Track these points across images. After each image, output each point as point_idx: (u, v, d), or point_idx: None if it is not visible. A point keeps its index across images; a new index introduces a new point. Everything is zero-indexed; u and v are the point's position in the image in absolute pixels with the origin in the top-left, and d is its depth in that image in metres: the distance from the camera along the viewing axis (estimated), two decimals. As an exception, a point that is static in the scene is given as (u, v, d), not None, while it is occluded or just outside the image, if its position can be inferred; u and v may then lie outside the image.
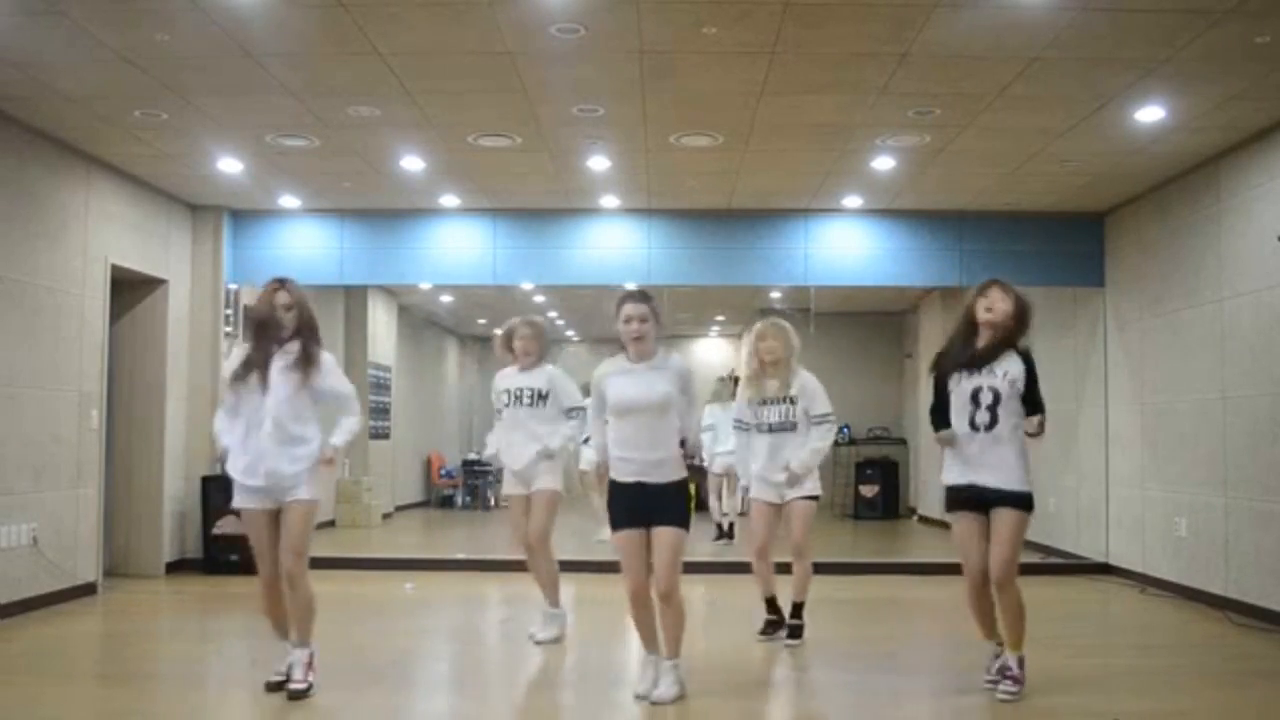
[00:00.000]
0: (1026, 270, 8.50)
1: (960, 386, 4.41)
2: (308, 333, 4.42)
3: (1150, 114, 5.90)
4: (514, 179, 7.62)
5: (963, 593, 4.49)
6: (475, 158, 7.02)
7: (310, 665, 4.34)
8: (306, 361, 4.35)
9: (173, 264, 8.00)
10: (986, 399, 4.35)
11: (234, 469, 4.34)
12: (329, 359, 4.48)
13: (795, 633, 5.45)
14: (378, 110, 6.01)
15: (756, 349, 5.42)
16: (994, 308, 4.39)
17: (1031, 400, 4.36)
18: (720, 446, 9.04)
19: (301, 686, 4.27)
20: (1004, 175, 7.32)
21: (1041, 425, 4.38)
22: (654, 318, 4.35)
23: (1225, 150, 6.56)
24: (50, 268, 6.50)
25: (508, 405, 5.51)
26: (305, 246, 8.59)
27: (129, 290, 7.63)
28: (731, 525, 9.57)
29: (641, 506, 4.27)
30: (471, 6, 4.63)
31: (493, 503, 13.12)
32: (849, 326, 12.70)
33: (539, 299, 10.65)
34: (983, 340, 4.43)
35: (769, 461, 5.36)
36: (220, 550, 7.83)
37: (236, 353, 4.46)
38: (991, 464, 4.34)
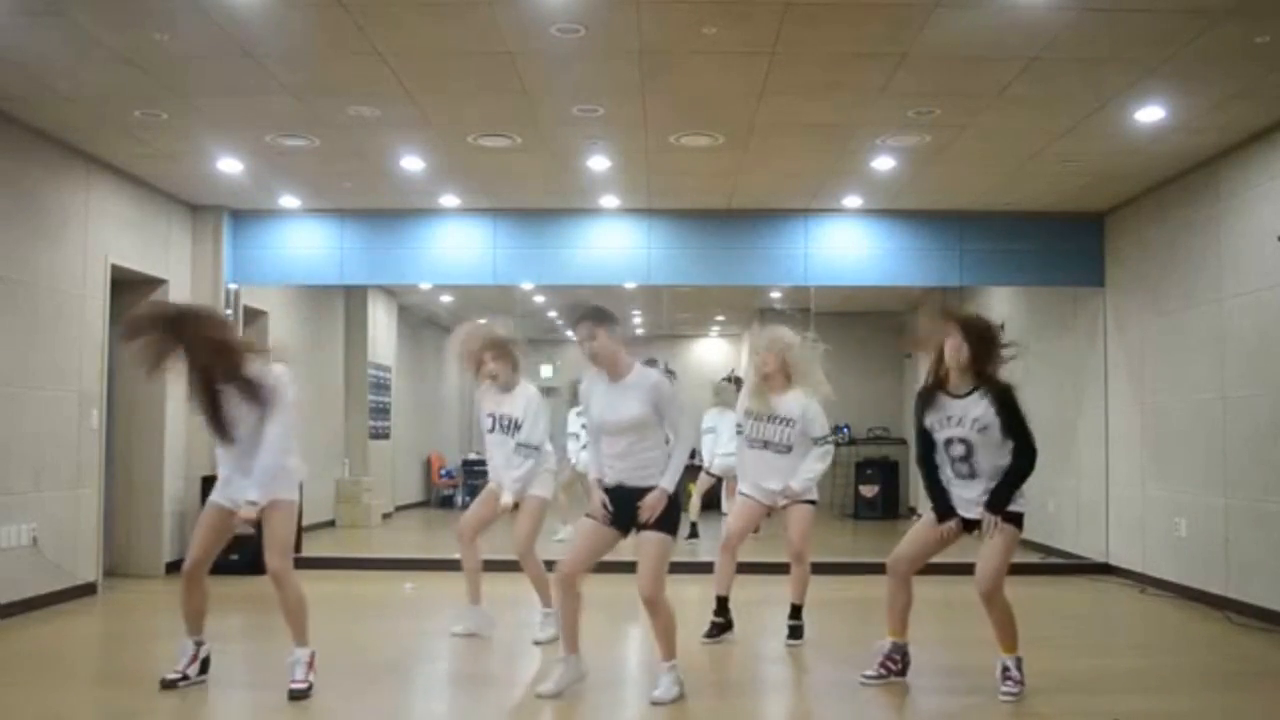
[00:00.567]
0: (1026, 270, 8.53)
1: (937, 435, 4.44)
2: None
3: (1150, 114, 5.90)
4: (514, 179, 7.61)
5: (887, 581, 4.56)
6: (475, 158, 7.02)
7: (311, 665, 4.35)
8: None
9: (173, 264, 8.00)
10: (958, 451, 4.36)
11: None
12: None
13: (795, 633, 5.49)
14: (378, 110, 6.01)
15: (754, 363, 5.46)
16: (950, 353, 4.35)
17: (1012, 434, 4.29)
18: (721, 448, 9.04)
19: (302, 686, 4.27)
20: (1004, 175, 7.32)
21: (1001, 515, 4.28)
22: (604, 332, 4.24)
23: (1225, 150, 6.56)
24: (50, 268, 6.50)
25: (490, 430, 5.61)
26: (305, 246, 8.59)
27: (129, 290, 7.61)
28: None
29: (623, 510, 4.27)
30: (471, 6, 4.63)
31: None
32: (849, 326, 12.63)
33: (539, 299, 10.64)
34: (951, 383, 4.41)
35: (762, 474, 5.41)
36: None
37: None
38: (979, 499, 4.36)
